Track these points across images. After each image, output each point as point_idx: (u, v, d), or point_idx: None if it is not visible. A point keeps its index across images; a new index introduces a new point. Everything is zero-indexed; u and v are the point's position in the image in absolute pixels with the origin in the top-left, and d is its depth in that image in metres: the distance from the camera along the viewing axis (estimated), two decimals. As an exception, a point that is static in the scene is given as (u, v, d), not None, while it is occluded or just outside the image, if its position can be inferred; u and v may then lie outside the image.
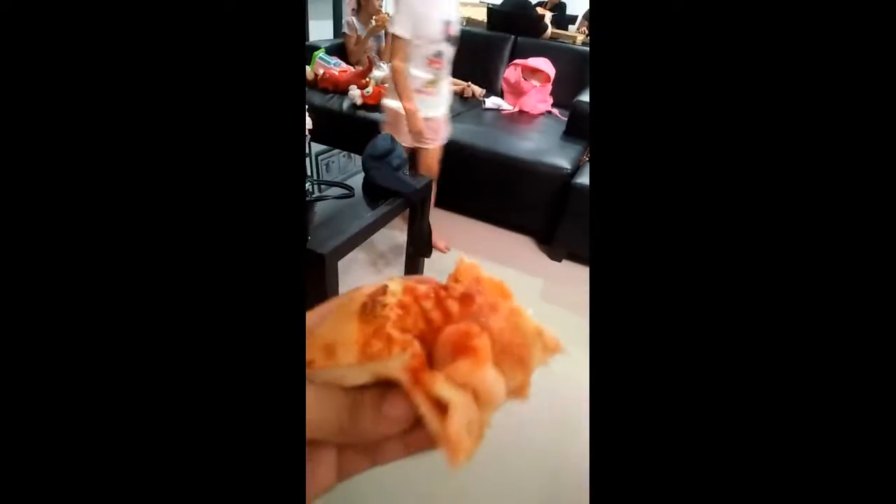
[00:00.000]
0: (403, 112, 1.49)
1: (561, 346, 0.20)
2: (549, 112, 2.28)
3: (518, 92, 2.26)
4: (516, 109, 2.25)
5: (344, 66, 2.19)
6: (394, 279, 0.20)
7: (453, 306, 0.19)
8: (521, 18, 2.49)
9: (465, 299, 0.19)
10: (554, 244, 1.81)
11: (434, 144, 1.60)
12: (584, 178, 1.66)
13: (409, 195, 1.25)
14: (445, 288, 0.20)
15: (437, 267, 1.58)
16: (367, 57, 2.18)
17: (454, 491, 1.00)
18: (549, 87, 2.27)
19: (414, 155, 1.61)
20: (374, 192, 1.24)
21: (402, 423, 0.19)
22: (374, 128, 1.74)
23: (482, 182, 1.90)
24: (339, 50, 2.33)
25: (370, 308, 0.19)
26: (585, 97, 1.95)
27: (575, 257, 1.80)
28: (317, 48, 2.22)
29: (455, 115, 2.11)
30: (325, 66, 2.15)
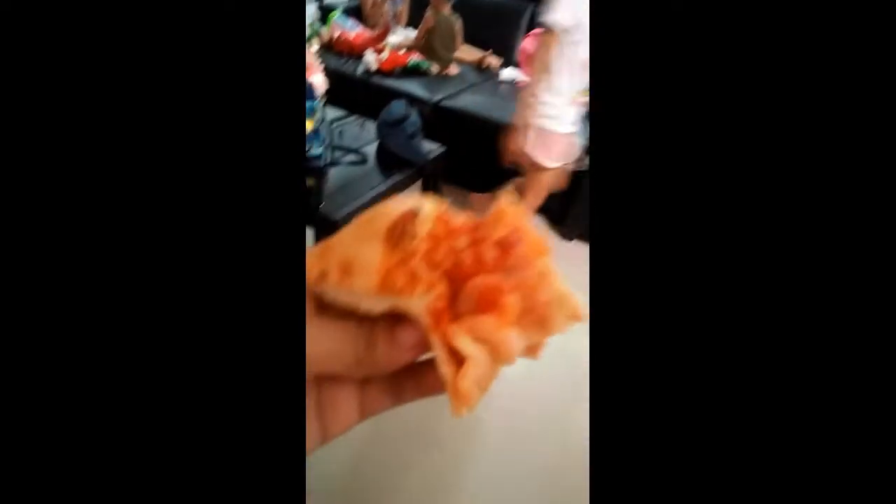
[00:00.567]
0: (544, 130, 1.21)
1: (583, 314, 0.19)
2: (568, 87, 2.22)
3: (537, 65, 2.19)
4: (534, 83, 2.18)
5: (360, 28, 2.12)
6: (428, 199, 0.19)
7: (488, 252, 0.18)
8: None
9: (503, 248, 0.18)
10: (566, 224, 1.79)
11: (567, 164, 1.39)
12: (600, 157, 1.63)
13: (423, 165, 1.23)
14: (483, 227, 0.18)
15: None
16: (384, 20, 2.11)
17: (459, 441, 1.02)
18: (569, 61, 2.19)
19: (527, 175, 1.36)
20: (388, 160, 1.22)
21: (416, 350, 0.18)
22: (388, 95, 1.70)
23: (495, 155, 1.86)
24: (356, 11, 2.25)
25: (398, 235, 0.18)
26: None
27: (586, 237, 1.78)
28: (333, 8, 2.15)
29: (469, 87, 2.05)
30: (341, 27, 2.09)
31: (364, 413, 0.21)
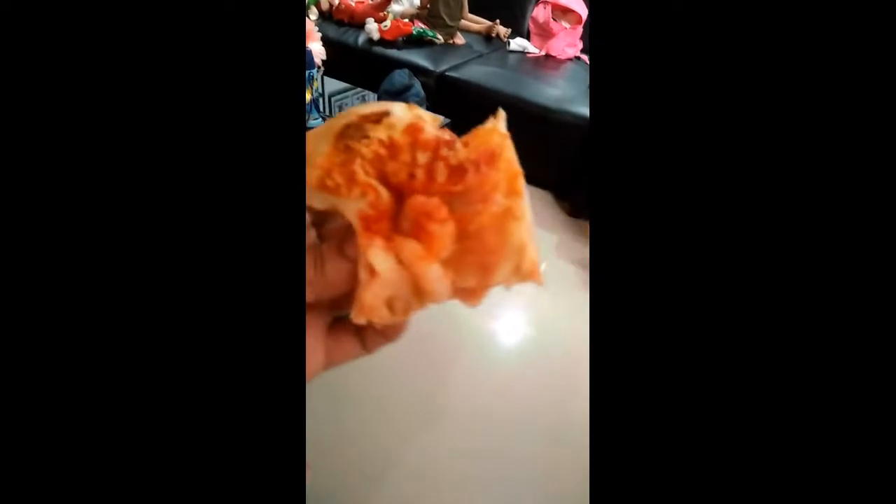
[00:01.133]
0: None
1: (538, 275, 0.17)
2: (578, 58, 2.13)
3: (546, 34, 2.10)
4: (542, 53, 2.10)
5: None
6: (409, 107, 0.17)
7: (441, 173, 0.16)
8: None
9: (457, 172, 0.16)
10: (573, 199, 1.74)
11: None
12: (610, 130, 1.57)
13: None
14: (450, 146, 0.16)
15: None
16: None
17: (462, 413, 1.02)
18: (580, 30, 2.10)
19: None
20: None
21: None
22: (390, 65, 1.64)
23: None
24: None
25: (350, 133, 0.16)
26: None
27: (593, 214, 1.74)
28: (332, -25, 2.06)
29: (477, 57, 1.98)
30: (340, -5, 2.01)
31: (330, 359, 0.19)
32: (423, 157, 0.16)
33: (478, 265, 0.16)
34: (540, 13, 2.10)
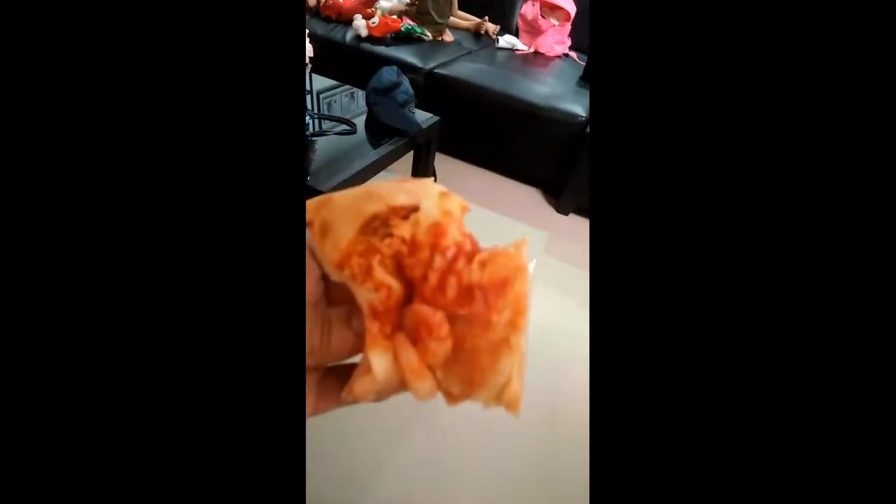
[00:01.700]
0: None
1: (517, 408, 0.18)
2: (567, 55, 2.14)
3: (535, 30, 2.10)
4: (531, 50, 2.10)
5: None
6: (442, 200, 0.17)
7: (452, 289, 0.16)
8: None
9: (465, 294, 0.16)
10: (562, 197, 1.75)
11: None
12: (599, 128, 1.57)
13: (414, 135, 1.18)
14: (468, 259, 0.17)
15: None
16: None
17: (450, 427, 1.02)
18: (569, 27, 2.10)
19: None
20: (378, 130, 1.17)
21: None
22: (378, 62, 1.63)
23: (491, 126, 1.81)
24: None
25: (375, 226, 0.17)
26: (607, 39, 1.81)
27: (583, 211, 1.74)
28: (319, -29, 2.03)
29: (466, 54, 1.97)
30: (327, -9, 1.99)
31: (319, 407, 0.20)
32: (439, 262, 0.16)
33: (464, 378, 0.17)
34: (528, 10, 2.10)
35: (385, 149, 1.13)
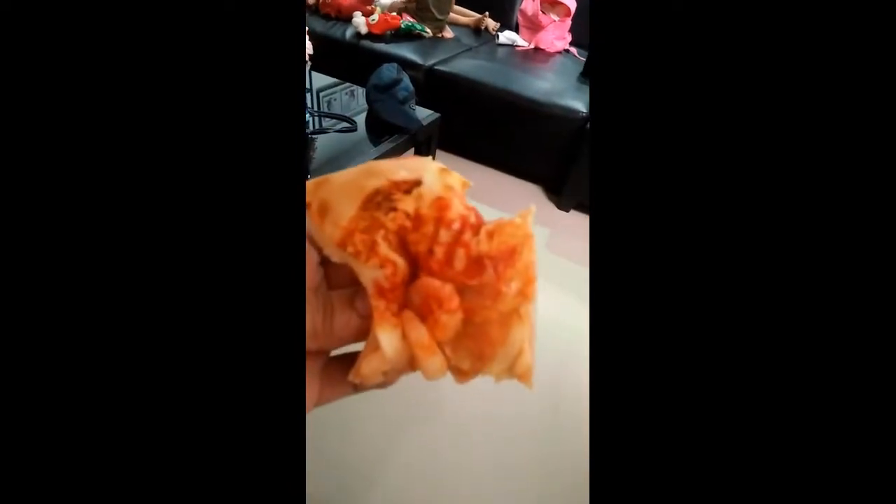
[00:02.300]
0: None
1: (529, 379, 0.17)
2: (567, 51, 2.13)
3: (535, 26, 2.09)
4: (532, 46, 2.09)
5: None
6: (443, 175, 0.17)
7: (460, 261, 0.16)
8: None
9: (474, 265, 0.16)
10: (563, 193, 1.75)
11: None
12: (600, 123, 1.57)
13: (415, 132, 1.18)
14: (475, 231, 0.16)
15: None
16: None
17: (451, 421, 1.02)
18: (569, 22, 2.09)
19: None
20: (379, 127, 1.17)
21: (370, 322, 0.17)
22: (378, 59, 1.63)
23: (491, 123, 1.80)
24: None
25: (378, 201, 0.16)
26: (608, 34, 1.81)
27: (583, 207, 1.74)
28: (318, -32, 2.03)
29: (466, 50, 1.97)
30: (327, -12, 1.98)
31: (323, 397, 0.19)
32: (445, 236, 0.16)
33: (475, 353, 0.17)
34: (528, 5, 2.09)
35: (386, 146, 1.13)
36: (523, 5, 2.13)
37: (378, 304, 0.16)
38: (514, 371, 0.17)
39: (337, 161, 1.05)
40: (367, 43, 1.86)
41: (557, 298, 1.38)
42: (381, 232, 0.16)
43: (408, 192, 0.16)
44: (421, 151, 1.28)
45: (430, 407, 1.05)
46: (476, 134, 1.86)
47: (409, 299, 0.16)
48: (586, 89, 1.76)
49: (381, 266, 0.16)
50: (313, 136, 1.11)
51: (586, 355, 1.27)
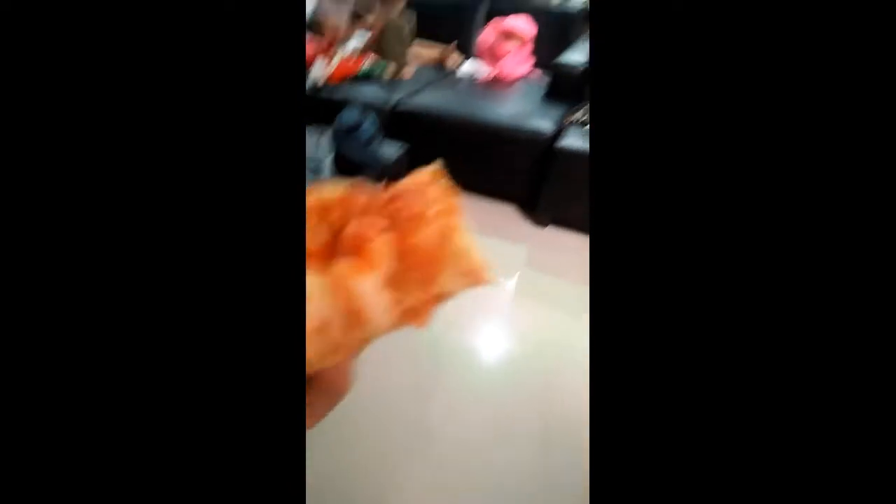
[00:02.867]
0: None
1: (486, 276, 0.18)
2: (529, 75, 2.21)
3: (496, 54, 2.17)
4: (494, 74, 2.17)
5: (310, 40, 2.09)
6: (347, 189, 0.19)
7: (375, 207, 0.18)
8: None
9: (389, 202, 0.18)
10: (538, 210, 1.78)
11: None
12: (566, 141, 1.62)
13: (382, 168, 1.22)
14: (381, 192, 0.19)
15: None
16: (333, 29, 2.06)
17: (451, 434, 1.01)
18: (529, 48, 2.18)
19: None
20: (347, 168, 1.21)
21: None
22: (342, 103, 1.68)
23: (462, 151, 1.85)
24: (311, 26, 2.22)
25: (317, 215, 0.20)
26: (566, 58, 1.88)
27: (560, 222, 1.77)
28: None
29: (429, 84, 2.03)
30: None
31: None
32: (360, 201, 0.19)
33: (419, 279, 0.17)
34: (488, 35, 2.18)
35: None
36: (483, 36, 2.21)
37: (308, 265, 0.17)
38: (467, 274, 0.17)
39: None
40: (329, 89, 1.91)
41: (544, 314, 1.39)
42: (314, 219, 0.18)
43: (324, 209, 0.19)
44: (391, 179, 1.32)
45: (423, 440, 1.05)
46: (447, 162, 1.90)
47: (341, 250, 0.17)
48: (551, 110, 1.82)
49: (313, 237, 0.18)
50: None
51: (577, 369, 1.26)
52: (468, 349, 1.27)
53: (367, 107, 1.73)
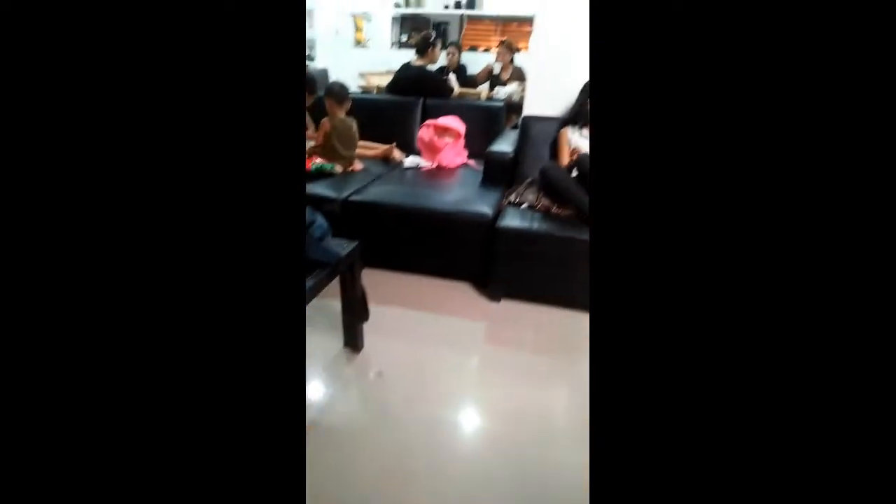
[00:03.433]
0: None
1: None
2: (466, 164, 2.43)
3: (434, 149, 2.39)
4: (435, 165, 2.37)
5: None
6: None
7: None
8: (426, 82, 2.70)
9: None
10: (490, 286, 1.86)
11: None
12: (506, 221, 1.76)
13: (336, 264, 1.25)
14: None
15: (377, 326, 1.56)
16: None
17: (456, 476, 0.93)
18: (462, 141, 2.43)
19: None
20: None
21: None
22: (296, 201, 1.74)
23: (414, 237, 1.95)
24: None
25: None
26: (496, 147, 2.11)
27: (512, 295, 1.86)
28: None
29: (377, 179, 2.18)
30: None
31: None
32: None
33: None
34: (425, 133, 2.41)
35: (310, 281, 1.18)
36: (420, 133, 2.45)
37: None
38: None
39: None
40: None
41: (510, 390, 1.40)
42: None
43: None
44: (345, 279, 1.35)
45: (435, 467, 0.97)
46: (400, 250, 1.99)
47: None
48: (489, 194, 1.99)
49: None
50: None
51: (552, 440, 1.24)
52: (446, 424, 1.24)
53: (321, 200, 1.81)
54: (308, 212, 1.31)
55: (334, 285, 1.35)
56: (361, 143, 2.45)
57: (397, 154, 2.46)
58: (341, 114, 2.23)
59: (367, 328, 1.52)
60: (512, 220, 1.75)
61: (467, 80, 3.60)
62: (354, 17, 4.40)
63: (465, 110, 2.52)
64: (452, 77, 3.18)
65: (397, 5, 4.59)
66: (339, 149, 2.22)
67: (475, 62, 3.98)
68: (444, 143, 2.38)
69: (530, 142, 2.11)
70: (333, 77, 3.11)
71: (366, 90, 3.39)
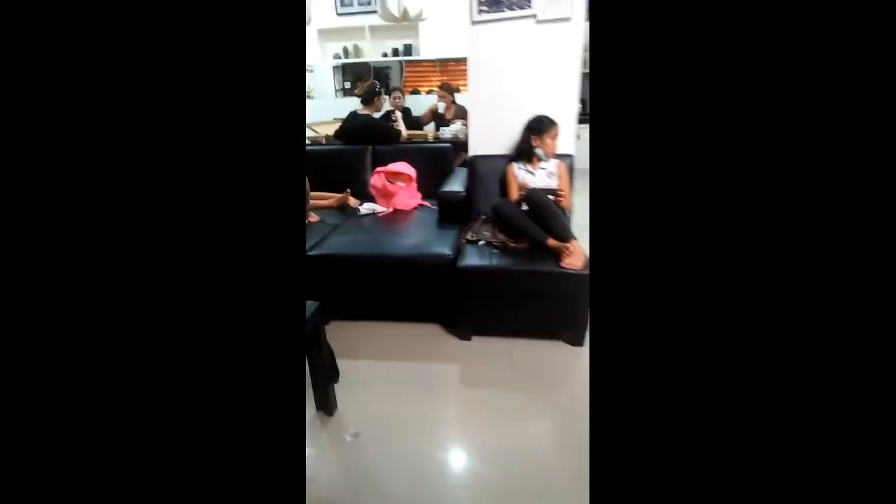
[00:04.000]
0: None
1: None
2: (421, 205, 2.47)
3: (387, 195, 2.42)
4: (390, 210, 2.39)
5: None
6: None
7: None
8: (373, 131, 2.76)
9: None
10: (459, 325, 1.87)
11: None
12: (466, 260, 1.79)
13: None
14: None
15: (349, 382, 1.52)
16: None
17: None
18: (414, 184, 2.48)
19: None
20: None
21: None
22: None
23: (377, 283, 1.94)
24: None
25: None
26: (448, 187, 2.17)
27: (481, 332, 1.87)
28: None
29: (334, 229, 2.17)
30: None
31: None
32: None
33: None
34: (376, 180, 2.44)
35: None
36: (372, 181, 2.48)
37: None
38: None
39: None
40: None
41: (495, 431, 1.38)
42: None
43: None
44: (311, 342, 1.32)
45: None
46: (364, 299, 1.97)
47: None
48: (446, 234, 2.03)
49: None
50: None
51: (542, 476, 1.22)
52: (426, 482, 1.21)
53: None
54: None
55: (300, 349, 1.32)
56: (315, 193, 2.45)
57: (353, 201, 2.47)
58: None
59: (339, 387, 1.48)
60: (472, 259, 1.79)
61: (413, 123, 3.70)
62: (296, 69, 4.45)
63: (414, 154, 2.59)
64: (399, 118, 3.25)
65: (337, 56, 4.71)
66: (293, 204, 2.21)
67: (418, 104, 4.11)
68: (396, 187, 2.42)
69: (480, 180, 2.18)
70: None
71: (315, 141, 3.41)
